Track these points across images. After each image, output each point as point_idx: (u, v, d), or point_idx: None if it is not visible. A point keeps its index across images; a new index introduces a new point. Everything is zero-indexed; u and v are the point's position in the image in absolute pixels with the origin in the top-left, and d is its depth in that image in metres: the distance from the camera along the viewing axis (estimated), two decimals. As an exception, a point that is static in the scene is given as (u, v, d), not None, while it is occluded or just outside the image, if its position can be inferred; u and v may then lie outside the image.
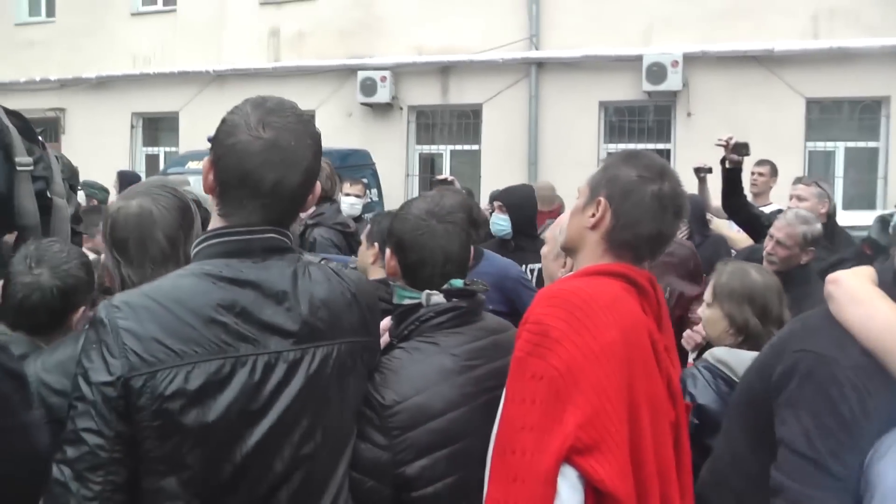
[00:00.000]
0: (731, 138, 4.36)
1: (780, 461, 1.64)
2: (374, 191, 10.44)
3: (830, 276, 1.70)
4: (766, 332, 2.64)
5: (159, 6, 13.99)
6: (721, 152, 4.58)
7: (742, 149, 4.39)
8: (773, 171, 6.22)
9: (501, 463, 1.57)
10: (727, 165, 4.46)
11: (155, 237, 1.91)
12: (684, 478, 1.75)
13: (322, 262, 1.72)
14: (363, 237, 3.07)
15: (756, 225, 4.71)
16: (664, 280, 3.41)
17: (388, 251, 2.02)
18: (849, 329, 1.61)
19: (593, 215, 1.80)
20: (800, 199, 4.50)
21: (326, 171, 4.69)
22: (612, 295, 1.69)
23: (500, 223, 4.54)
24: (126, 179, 7.80)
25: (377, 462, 1.71)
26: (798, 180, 5.10)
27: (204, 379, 1.46)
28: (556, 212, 6.03)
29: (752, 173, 6.15)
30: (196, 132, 11.66)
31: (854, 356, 1.58)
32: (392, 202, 10.02)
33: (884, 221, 4.40)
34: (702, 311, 2.90)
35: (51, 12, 14.74)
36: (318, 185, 1.70)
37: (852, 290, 1.63)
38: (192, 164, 9.07)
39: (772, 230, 3.93)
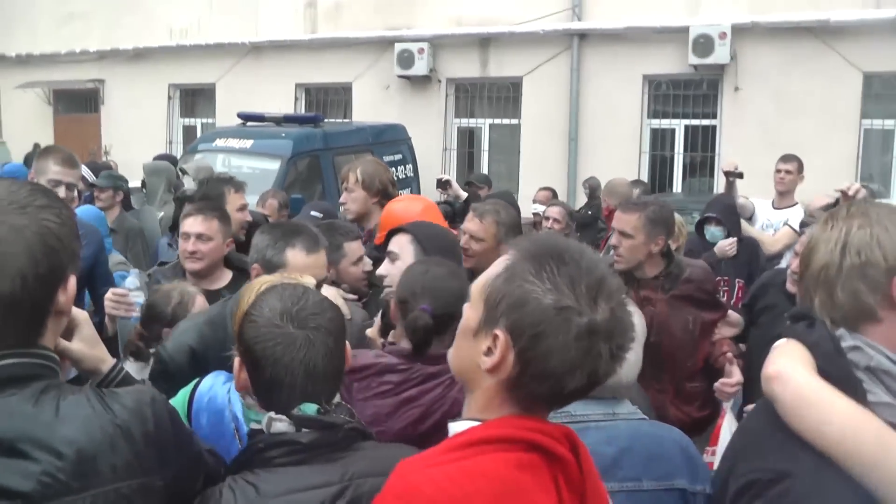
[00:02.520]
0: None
1: None
2: (410, 166, 10.26)
3: (771, 372, 1.44)
4: None
5: (197, -23, 13.89)
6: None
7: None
8: (800, 168, 5.75)
9: None
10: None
11: None
12: None
13: (88, 387, 1.40)
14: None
15: None
16: (686, 312, 3.24)
17: (236, 360, 1.61)
18: (801, 435, 1.38)
19: (489, 351, 1.22)
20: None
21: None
22: (495, 490, 1.15)
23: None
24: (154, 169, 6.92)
25: None
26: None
27: None
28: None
29: (778, 171, 5.73)
30: (233, 104, 11.57)
31: (808, 463, 1.36)
32: (428, 178, 9.83)
33: None
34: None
35: (90, -16, 14.76)
36: (72, 281, 1.34)
37: (800, 392, 1.40)
38: (220, 142, 9.01)
39: (796, 247, 3.69)
